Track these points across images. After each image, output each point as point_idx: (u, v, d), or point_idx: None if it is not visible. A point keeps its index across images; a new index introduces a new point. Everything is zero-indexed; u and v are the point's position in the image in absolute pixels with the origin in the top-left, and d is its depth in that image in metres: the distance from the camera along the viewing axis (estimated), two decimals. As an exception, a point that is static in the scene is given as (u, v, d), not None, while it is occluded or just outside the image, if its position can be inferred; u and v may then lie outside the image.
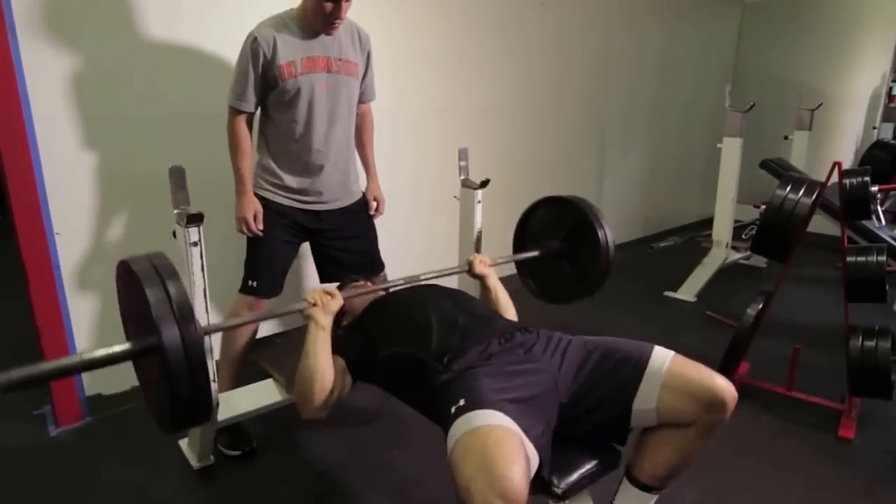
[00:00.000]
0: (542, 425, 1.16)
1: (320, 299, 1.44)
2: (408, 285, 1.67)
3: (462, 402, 1.13)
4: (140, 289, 1.01)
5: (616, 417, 1.26)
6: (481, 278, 1.78)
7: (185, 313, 1.01)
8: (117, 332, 2.26)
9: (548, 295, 2.01)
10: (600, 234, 1.79)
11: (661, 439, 1.27)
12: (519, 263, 2.02)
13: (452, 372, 1.28)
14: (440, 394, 1.25)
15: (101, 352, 1.02)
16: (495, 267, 1.82)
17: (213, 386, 1.63)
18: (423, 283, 1.71)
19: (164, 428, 1.13)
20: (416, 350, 1.38)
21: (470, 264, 1.78)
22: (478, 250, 2.18)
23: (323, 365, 1.39)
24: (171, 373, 0.99)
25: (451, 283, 1.90)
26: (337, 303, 1.46)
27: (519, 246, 2.04)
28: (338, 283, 1.87)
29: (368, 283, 1.89)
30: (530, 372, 1.27)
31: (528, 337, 1.40)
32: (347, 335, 1.59)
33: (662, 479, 1.29)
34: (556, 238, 1.93)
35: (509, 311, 1.75)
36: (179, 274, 1.07)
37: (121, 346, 1.03)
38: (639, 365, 1.26)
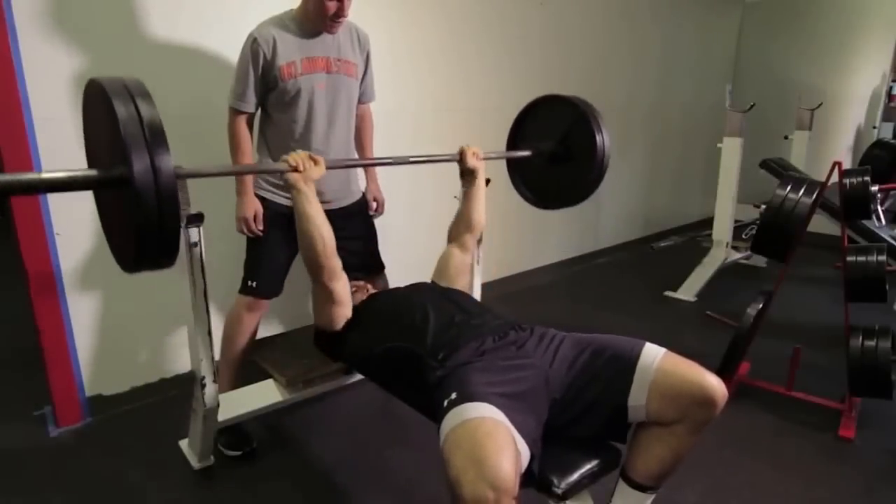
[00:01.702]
0: (533, 420, 1.17)
1: (303, 163, 1.44)
2: (396, 163, 1.72)
3: (454, 396, 1.15)
4: (109, 108, 0.90)
5: (613, 414, 1.26)
6: (471, 171, 1.76)
7: (156, 136, 0.92)
8: (118, 333, 2.25)
9: (538, 198, 1.97)
10: (597, 136, 1.74)
11: (653, 437, 1.27)
12: (511, 164, 1.98)
13: (446, 368, 1.29)
14: (435, 389, 1.26)
15: (62, 174, 0.93)
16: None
17: (214, 387, 1.63)
18: (423, 284, 1.72)
19: (126, 265, 1.05)
20: (411, 346, 1.39)
21: (461, 154, 1.76)
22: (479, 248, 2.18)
23: (320, 227, 1.45)
24: (138, 204, 0.89)
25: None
26: (319, 171, 1.47)
27: (514, 146, 2.00)
28: None
29: (368, 284, 1.90)
30: (522, 367, 1.28)
31: (521, 334, 1.41)
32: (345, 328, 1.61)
33: (656, 479, 1.30)
34: (550, 139, 1.87)
35: (481, 211, 1.80)
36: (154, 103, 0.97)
37: (85, 171, 0.94)
38: (630, 361, 1.26)
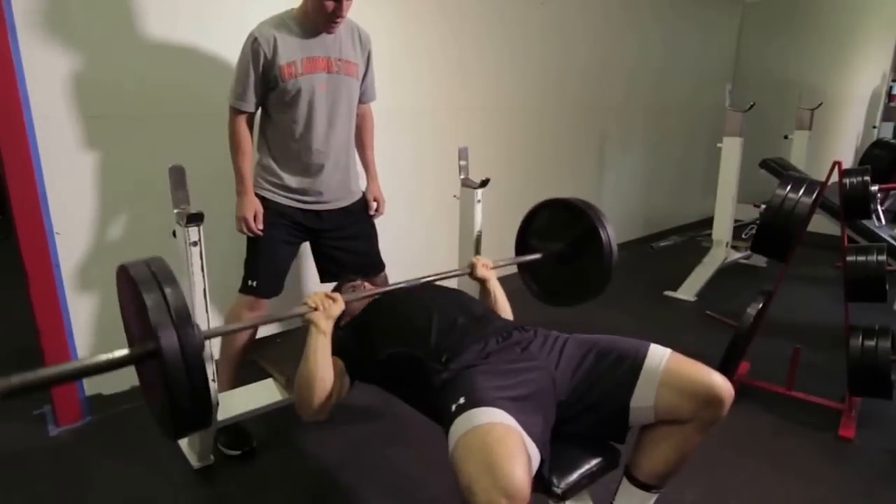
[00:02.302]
0: (542, 423, 1.17)
1: (322, 303, 1.41)
2: (408, 285, 1.66)
3: (462, 401, 1.14)
4: (138, 294, 1.01)
5: (614, 415, 1.26)
6: (482, 281, 1.78)
7: (182, 318, 1.01)
8: (117, 332, 2.25)
9: (549, 297, 2.01)
10: (604, 239, 1.78)
11: (659, 437, 1.27)
12: (521, 265, 2.02)
13: (451, 371, 1.28)
14: (440, 393, 1.25)
15: (102, 357, 1.02)
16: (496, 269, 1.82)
17: (213, 386, 1.63)
18: (424, 284, 1.71)
19: (167, 433, 1.13)
20: (414, 349, 1.38)
21: (472, 267, 1.78)
22: (477, 249, 2.19)
23: (323, 370, 1.38)
24: (169, 379, 0.99)
25: (451, 282, 1.89)
26: (338, 307, 1.44)
27: (521, 246, 2.04)
28: (335, 284, 1.88)
29: (368, 284, 1.89)
30: (528, 370, 1.28)
31: (525, 335, 1.40)
32: (346, 336, 1.59)
33: (661, 478, 1.30)
34: (559, 241, 1.92)
35: (506, 313, 1.76)
36: (177, 279, 1.07)
37: (120, 352, 1.03)
38: (635, 363, 1.26)
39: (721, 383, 1.20)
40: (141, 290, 1.01)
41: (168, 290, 1.02)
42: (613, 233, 1.81)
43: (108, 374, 2.33)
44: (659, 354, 1.27)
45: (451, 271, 1.78)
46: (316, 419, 1.42)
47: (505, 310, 1.77)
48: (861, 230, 3.62)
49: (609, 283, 1.85)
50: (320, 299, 1.42)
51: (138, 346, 1.05)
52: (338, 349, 1.48)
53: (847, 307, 2.19)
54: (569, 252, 1.91)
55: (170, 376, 0.99)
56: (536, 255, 1.92)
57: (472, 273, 1.78)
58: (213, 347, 1.63)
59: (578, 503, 1.27)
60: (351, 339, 1.57)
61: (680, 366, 1.24)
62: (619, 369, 1.27)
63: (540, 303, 2.02)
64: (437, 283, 1.69)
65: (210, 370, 1.61)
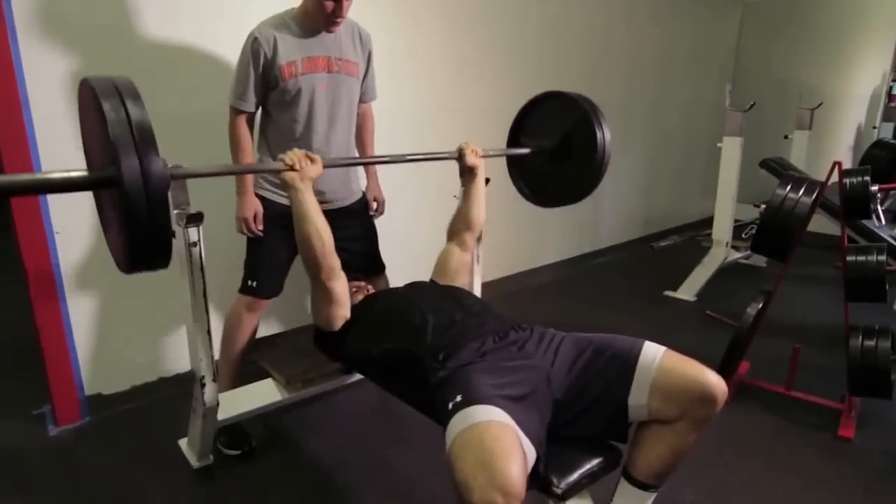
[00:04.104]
0: (537, 420, 1.17)
1: (300, 162, 1.43)
2: (394, 161, 1.69)
3: (459, 398, 1.14)
4: (99, 111, 0.91)
5: (613, 414, 1.26)
6: (470, 169, 1.76)
7: (146, 141, 0.92)
8: (117, 331, 2.25)
9: (537, 196, 1.96)
10: (598, 134, 1.73)
11: (654, 436, 1.27)
12: (510, 161, 1.97)
13: (448, 369, 1.28)
14: (437, 391, 1.26)
15: (57, 174, 0.95)
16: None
17: (213, 386, 1.63)
18: (421, 283, 1.72)
19: (121, 266, 1.06)
20: (411, 346, 1.39)
21: (461, 152, 1.76)
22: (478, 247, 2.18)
23: (316, 223, 1.45)
24: (127, 211, 0.90)
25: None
26: (316, 169, 1.46)
27: (514, 143, 1.99)
28: None
29: (369, 284, 1.89)
30: (524, 368, 1.28)
31: (521, 334, 1.40)
32: (343, 330, 1.60)
33: (658, 477, 1.30)
34: (551, 136, 1.86)
35: (481, 209, 1.79)
36: (141, 98, 0.97)
37: (78, 172, 0.95)
38: (630, 360, 1.26)
39: (715, 381, 1.20)
40: (102, 107, 0.91)
41: (131, 108, 0.93)
42: (609, 132, 1.76)
43: (108, 374, 2.33)
44: (653, 352, 1.27)
45: (439, 153, 1.74)
46: (329, 284, 1.51)
47: (481, 205, 1.79)
48: (861, 230, 3.62)
49: (598, 183, 1.80)
50: (299, 157, 1.44)
51: (97, 170, 0.96)
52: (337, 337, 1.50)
53: (847, 307, 2.19)
54: (561, 149, 1.85)
55: (129, 209, 0.90)
56: (525, 150, 1.87)
57: (460, 158, 1.76)
58: (214, 345, 1.63)
59: (579, 503, 1.27)
60: (347, 332, 1.58)
61: (674, 363, 1.24)
62: (614, 367, 1.27)
63: (540, 303, 2.02)
64: (425, 164, 1.70)
65: (211, 368, 1.60)
